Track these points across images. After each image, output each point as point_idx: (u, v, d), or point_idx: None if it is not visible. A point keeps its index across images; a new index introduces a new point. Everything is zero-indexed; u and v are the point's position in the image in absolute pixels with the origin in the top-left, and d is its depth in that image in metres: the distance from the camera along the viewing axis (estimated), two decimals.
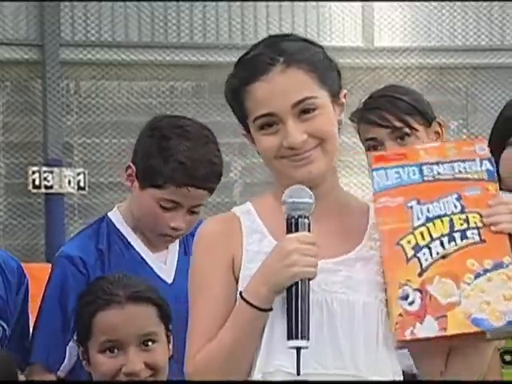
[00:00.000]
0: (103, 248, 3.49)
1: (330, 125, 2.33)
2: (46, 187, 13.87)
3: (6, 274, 3.73)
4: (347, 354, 2.23)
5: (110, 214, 3.79)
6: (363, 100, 3.76)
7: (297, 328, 2.22)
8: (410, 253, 2.27)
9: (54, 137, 13.92)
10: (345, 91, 2.45)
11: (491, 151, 2.98)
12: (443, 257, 2.21)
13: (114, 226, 3.64)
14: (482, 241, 2.19)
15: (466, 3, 16.05)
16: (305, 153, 2.28)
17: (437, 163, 2.25)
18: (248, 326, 2.24)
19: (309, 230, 2.21)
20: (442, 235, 2.25)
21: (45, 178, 13.81)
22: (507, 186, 3.45)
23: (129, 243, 3.59)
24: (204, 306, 2.31)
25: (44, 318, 3.70)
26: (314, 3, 16.15)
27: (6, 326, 3.64)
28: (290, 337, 2.21)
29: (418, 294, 2.20)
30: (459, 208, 2.27)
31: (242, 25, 15.06)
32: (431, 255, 2.24)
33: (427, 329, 2.16)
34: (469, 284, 2.18)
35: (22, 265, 5.04)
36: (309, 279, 2.18)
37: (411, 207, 2.26)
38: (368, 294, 2.25)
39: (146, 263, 3.56)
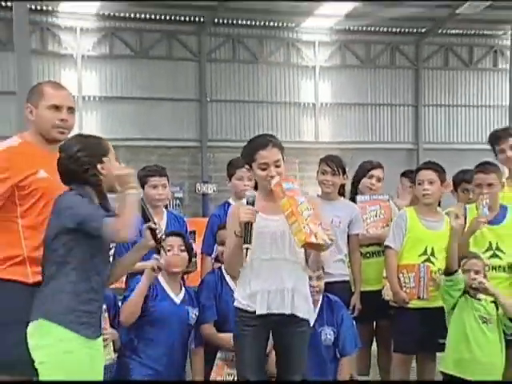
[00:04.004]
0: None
1: (283, 171, 4.44)
2: (203, 191, 24.72)
3: (180, 222, 6.11)
4: None
5: (229, 200, 6.16)
6: (326, 155, 6.21)
7: (246, 240, 4.19)
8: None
9: (206, 173, 24.68)
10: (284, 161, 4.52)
11: (355, 183, 6.66)
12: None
13: (229, 204, 5.78)
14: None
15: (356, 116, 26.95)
16: (273, 178, 4.38)
17: None
18: (234, 247, 4.32)
19: (252, 205, 4.25)
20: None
21: (203, 188, 24.61)
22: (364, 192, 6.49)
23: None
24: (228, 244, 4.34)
25: (204, 237, 6.20)
26: (293, 121, 26.74)
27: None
28: (244, 243, 4.18)
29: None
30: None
31: None
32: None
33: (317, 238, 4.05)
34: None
35: (192, 219, 11.05)
36: (249, 223, 4.21)
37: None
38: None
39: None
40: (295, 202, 4.28)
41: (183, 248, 5.37)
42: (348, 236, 6.16)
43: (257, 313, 4.42)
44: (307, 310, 4.56)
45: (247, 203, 4.31)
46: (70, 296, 3.84)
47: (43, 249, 3.92)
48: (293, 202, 4.28)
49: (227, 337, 5.20)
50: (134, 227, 3.76)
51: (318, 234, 4.19)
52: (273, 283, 4.42)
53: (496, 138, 6.28)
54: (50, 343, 3.81)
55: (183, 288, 5.46)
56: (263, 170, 4.43)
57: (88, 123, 23.61)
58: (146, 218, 4.07)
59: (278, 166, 4.43)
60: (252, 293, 4.45)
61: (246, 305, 4.47)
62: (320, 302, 5.54)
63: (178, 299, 5.35)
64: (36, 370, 3.86)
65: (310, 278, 4.98)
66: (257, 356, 4.52)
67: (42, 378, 3.84)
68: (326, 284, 5.58)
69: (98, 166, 3.90)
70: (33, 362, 3.85)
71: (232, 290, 5.23)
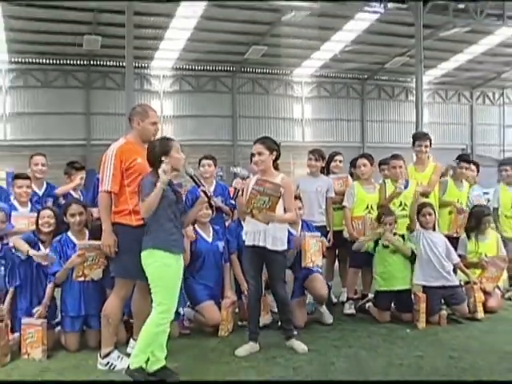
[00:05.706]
0: None
1: (263, 157, 4.10)
2: (234, 172, 21.34)
3: (223, 189, 5.59)
4: None
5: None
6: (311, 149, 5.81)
7: (234, 198, 4.58)
8: None
9: (236, 160, 22.58)
10: (277, 149, 4.13)
11: (326, 167, 5.96)
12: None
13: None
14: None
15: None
16: (258, 162, 4.15)
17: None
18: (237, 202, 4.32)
19: (243, 179, 4.17)
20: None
21: (234, 170, 19.81)
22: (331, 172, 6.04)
23: None
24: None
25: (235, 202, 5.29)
26: (288, 128, 25.51)
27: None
28: (232, 199, 4.65)
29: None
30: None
31: None
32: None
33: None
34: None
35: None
36: (238, 190, 4.24)
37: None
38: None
39: None
40: (254, 197, 4.06)
41: (208, 207, 4.99)
42: (326, 198, 5.99)
43: (246, 244, 4.34)
44: (277, 245, 4.30)
45: (241, 178, 4.25)
46: (163, 231, 3.72)
47: None
48: (252, 196, 4.07)
49: (241, 276, 5.07)
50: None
51: (256, 216, 4.07)
52: (254, 227, 4.26)
53: (417, 138, 6.23)
54: (155, 261, 3.70)
55: (211, 229, 5.14)
56: (253, 156, 4.35)
57: (165, 132, 22.34)
58: (198, 185, 4.00)
59: (259, 155, 4.26)
60: (245, 232, 4.37)
61: (246, 239, 4.35)
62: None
63: (209, 238, 5.07)
64: (146, 276, 3.78)
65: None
66: (254, 267, 4.37)
67: (151, 283, 3.73)
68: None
69: (163, 158, 3.76)
70: (143, 271, 3.77)
71: None
